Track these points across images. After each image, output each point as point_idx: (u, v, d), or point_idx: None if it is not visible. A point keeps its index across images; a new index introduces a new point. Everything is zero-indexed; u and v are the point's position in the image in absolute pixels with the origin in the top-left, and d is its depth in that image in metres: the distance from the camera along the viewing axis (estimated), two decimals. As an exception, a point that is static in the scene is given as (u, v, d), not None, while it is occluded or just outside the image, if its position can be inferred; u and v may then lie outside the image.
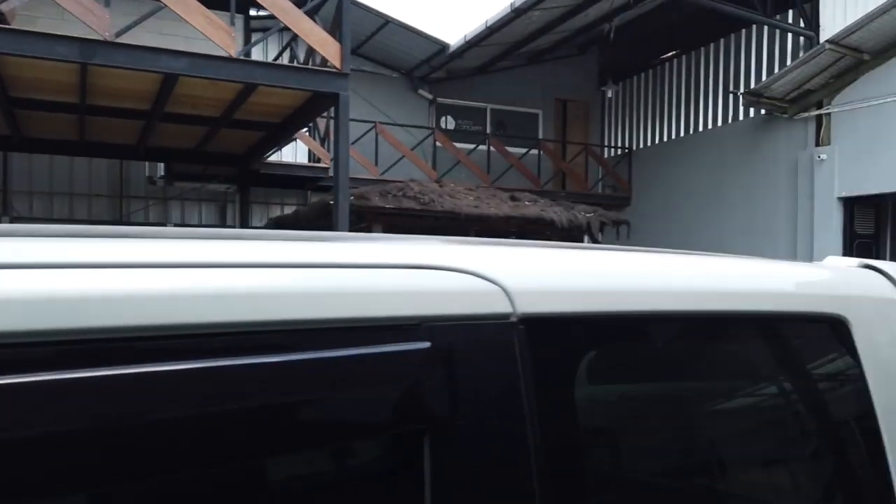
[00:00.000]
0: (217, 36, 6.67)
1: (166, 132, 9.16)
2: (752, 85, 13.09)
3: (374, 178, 12.75)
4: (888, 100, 11.20)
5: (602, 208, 11.04)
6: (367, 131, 13.44)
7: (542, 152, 15.30)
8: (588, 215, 10.26)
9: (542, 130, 16.85)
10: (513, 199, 10.35)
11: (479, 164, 14.60)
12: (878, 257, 12.24)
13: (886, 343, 1.62)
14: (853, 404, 1.60)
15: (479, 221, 9.69)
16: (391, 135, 13.56)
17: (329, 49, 7.05)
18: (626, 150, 16.54)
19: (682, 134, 15.36)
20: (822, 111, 12.09)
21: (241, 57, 7.07)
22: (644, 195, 16.03)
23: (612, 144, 17.24)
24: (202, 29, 6.62)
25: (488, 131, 15.95)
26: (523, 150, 15.19)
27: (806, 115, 12.37)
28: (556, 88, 16.95)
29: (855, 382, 1.56)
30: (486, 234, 11.23)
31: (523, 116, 16.73)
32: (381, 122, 13.55)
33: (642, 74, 16.49)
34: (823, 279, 1.76)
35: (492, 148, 14.77)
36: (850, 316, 1.56)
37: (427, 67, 14.26)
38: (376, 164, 13.33)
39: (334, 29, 7.31)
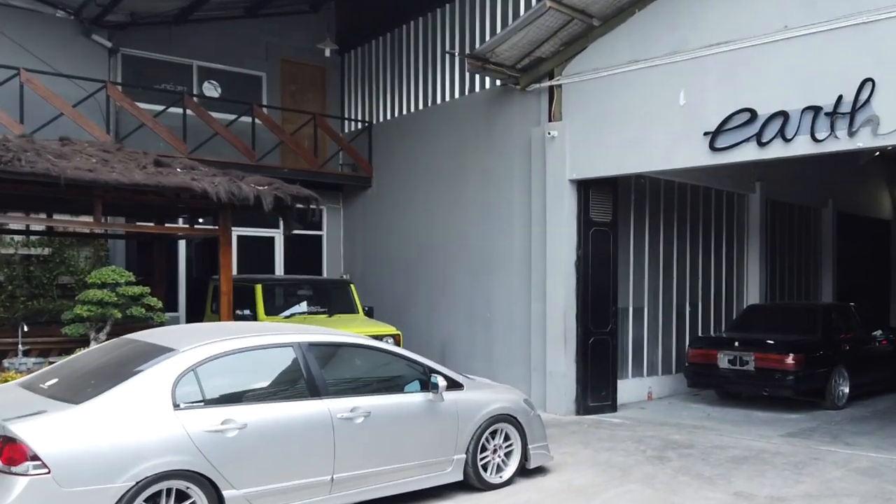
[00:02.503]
0: None
1: None
2: (488, 50, 11.68)
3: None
4: (616, 70, 10.12)
5: (283, 182, 9.04)
6: (9, 79, 10.65)
7: (255, 119, 13.11)
8: (260, 188, 8.25)
9: (266, 96, 14.71)
10: (157, 164, 8.12)
11: (177, 131, 12.20)
12: (615, 247, 11.25)
13: None
14: None
15: (90, 189, 7.41)
16: (42, 86, 10.83)
17: None
18: (366, 124, 14.77)
19: (421, 106, 13.80)
20: (554, 82, 10.88)
21: None
22: (386, 175, 14.36)
23: (352, 117, 15.41)
24: None
25: (195, 92, 13.56)
26: (232, 117, 12.96)
27: (538, 86, 11.12)
28: (284, 49, 14.87)
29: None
30: (108, 208, 8.92)
31: (242, 78, 14.50)
32: (27, 69, 10.77)
33: (381, 38, 14.77)
34: None
35: (189, 111, 12.39)
36: None
37: (97, 6, 11.62)
38: (21, 121, 10.56)
39: None
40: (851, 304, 13.49)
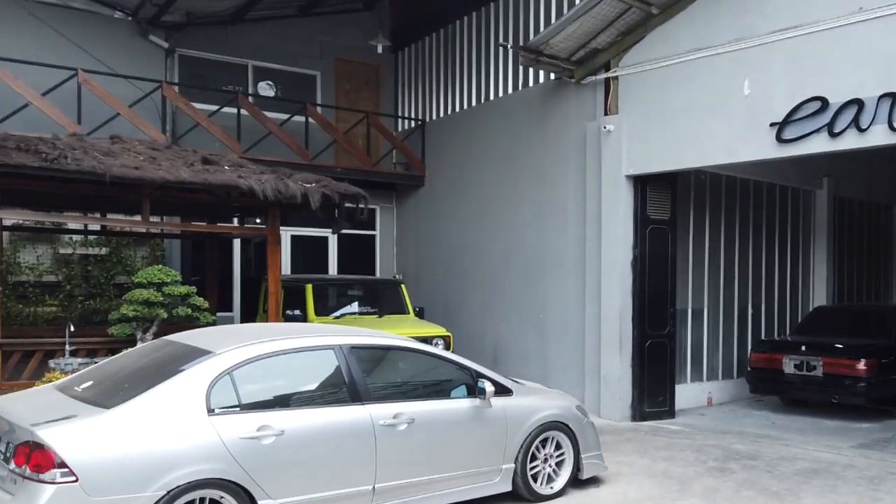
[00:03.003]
0: None
1: None
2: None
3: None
4: (676, 60, 9.56)
5: (333, 180, 8.74)
6: (67, 80, 10.63)
7: (309, 119, 12.90)
8: (308, 185, 7.97)
9: (320, 95, 14.51)
10: (205, 161, 7.92)
11: (232, 130, 12.07)
12: (673, 246, 10.67)
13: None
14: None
15: (135, 187, 7.23)
16: (99, 86, 10.78)
17: None
18: (420, 122, 14.45)
19: (474, 103, 13.40)
20: (610, 74, 10.37)
21: None
22: (438, 173, 14.02)
23: (405, 115, 15.11)
24: None
25: (250, 92, 13.44)
26: (286, 116, 12.78)
27: (594, 78, 10.62)
28: (338, 48, 14.65)
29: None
30: (157, 206, 8.76)
31: (296, 78, 14.33)
32: (84, 70, 10.74)
33: (434, 34, 14.42)
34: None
35: (244, 111, 12.24)
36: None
37: (153, 6, 11.55)
38: (79, 121, 10.53)
39: None
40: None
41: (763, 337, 12.70)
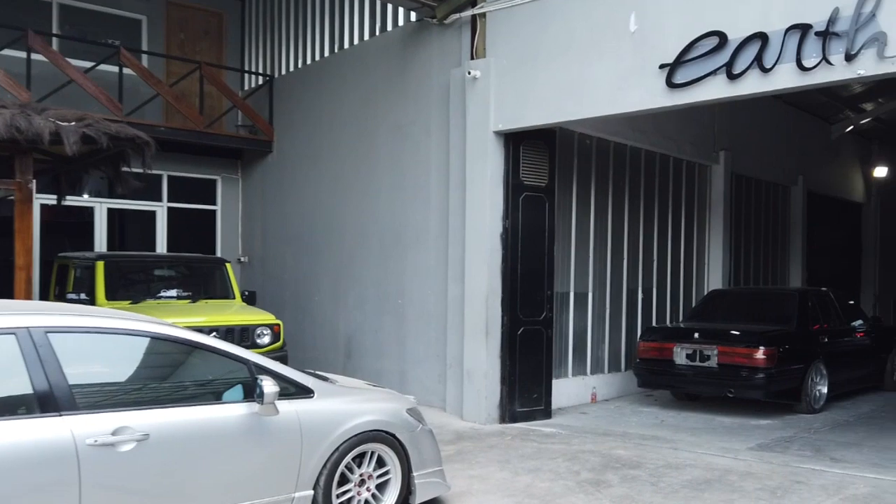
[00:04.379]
0: None
1: None
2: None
3: None
4: (552, -12, 8.10)
5: (128, 125, 6.82)
6: None
7: (123, 67, 10.86)
8: (63, 123, 6.05)
9: (146, 45, 12.41)
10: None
11: (21, 77, 9.93)
12: (551, 218, 9.16)
13: None
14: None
15: None
16: None
17: None
18: (268, 78, 12.57)
19: (326, 53, 11.64)
20: (477, 10, 8.84)
21: None
22: (288, 138, 12.20)
23: (250, 70, 13.19)
24: None
25: (54, 32, 11.27)
26: (91, 64, 10.70)
27: (459, 16, 9.07)
28: (169, -13, 12.62)
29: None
30: None
31: (117, 22, 12.22)
32: None
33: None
34: None
35: (37, 55, 10.10)
36: None
37: None
38: None
39: None
40: (829, 289, 11.68)
41: (654, 324, 11.50)
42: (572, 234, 10.26)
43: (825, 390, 10.07)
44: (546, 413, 9.13)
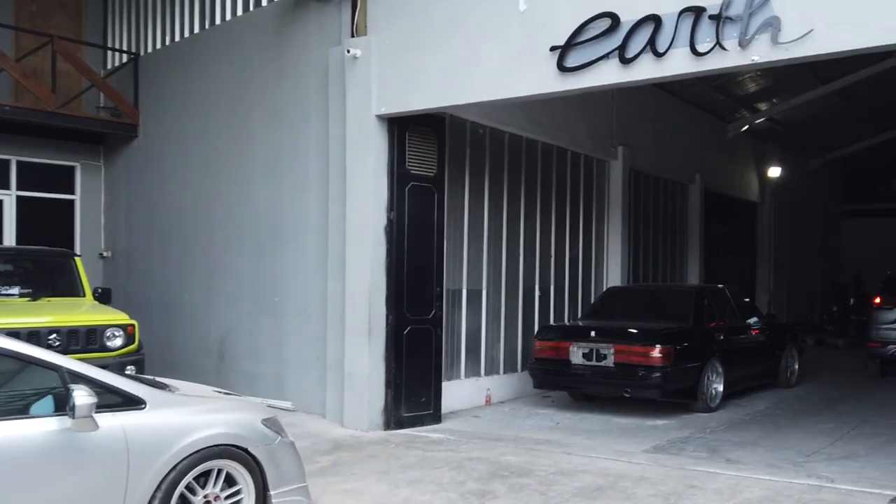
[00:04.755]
0: None
1: None
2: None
3: None
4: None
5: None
6: None
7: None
8: None
9: (-9, 15, 11.31)
10: None
11: None
12: (440, 211, 8.38)
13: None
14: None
15: None
16: None
17: None
18: (133, 56, 11.66)
19: (196, 29, 10.85)
20: (357, -18, 8.29)
21: None
22: (155, 121, 11.34)
23: (112, 46, 12.23)
24: None
25: None
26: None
27: (339, -10, 8.51)
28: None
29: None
30: None
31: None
32: None
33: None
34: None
35: None
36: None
37: None
38: None
39: None
40: (725, 286, 11.69)
41: (552, 322, 11.23)
42: (465, 228, 9.86)
43: (721, 388, 10.00)
44: (435, 417, 8.66)
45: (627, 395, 9.35)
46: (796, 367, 12.18)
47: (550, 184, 11.44)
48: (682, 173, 15.18)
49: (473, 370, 10.07)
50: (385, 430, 8.23)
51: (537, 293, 11.19)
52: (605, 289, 12.06)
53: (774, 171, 19.08)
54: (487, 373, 10.27)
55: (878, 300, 13.18)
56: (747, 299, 12.23)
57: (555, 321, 11.41)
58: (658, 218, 14.58)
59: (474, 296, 10.07)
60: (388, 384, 8.29)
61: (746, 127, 17.12)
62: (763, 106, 16.79)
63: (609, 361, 9.29)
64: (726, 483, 6.32)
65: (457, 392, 9.54)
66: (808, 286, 22.01)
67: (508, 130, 10.42)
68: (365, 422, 8.18)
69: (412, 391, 8.48)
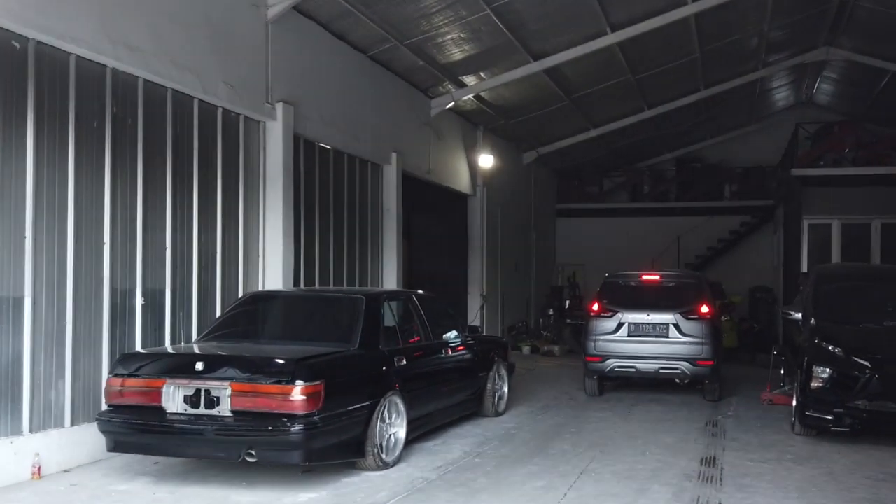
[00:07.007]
0: None
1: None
2: None
3: None
4: None
5: None
6: None
7: None
8: None
9: None
10: None
11: None
12: None
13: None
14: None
15: None
16: None
17: None
18: None
19: None
20: None
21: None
22: None
23: None
24: None
25: None
26: None
27: None
28: None
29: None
30: None
31: None
32: None
33: None
34: None
35: None
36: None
37: None
38: None
39: None
40: (412, 292, 8.89)
41: (146, 347, 7.61)
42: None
43: (403, 434, 7.20)
44: None
45: (251, 461, 6.06)
46: (505, 390, 9.77)
47: (164, 142, 7.89)
48: (374, 150, 12.32)
49: (12, 425, 6.28)
50: None
51: (139, 301, 7.55)
52: (242, 295, 8.68)
53: (486, 161, 17.03)
54: (37, 428, 6.49)
55: (595, 307, 11.21)
56: (448, 309, 9.52)
57: (171, 343, 7.86)
58: (342, 204, 11.55)
59: (10, 306, 6.25)
60: None
61: (452, 104, 14.72)
62: (471, 80, 14.48)
63: (224, 408, 6.00)
64: None
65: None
66: (524, 289, 20.44)
67: (78, 52, 6.75)
68: None
69: None
